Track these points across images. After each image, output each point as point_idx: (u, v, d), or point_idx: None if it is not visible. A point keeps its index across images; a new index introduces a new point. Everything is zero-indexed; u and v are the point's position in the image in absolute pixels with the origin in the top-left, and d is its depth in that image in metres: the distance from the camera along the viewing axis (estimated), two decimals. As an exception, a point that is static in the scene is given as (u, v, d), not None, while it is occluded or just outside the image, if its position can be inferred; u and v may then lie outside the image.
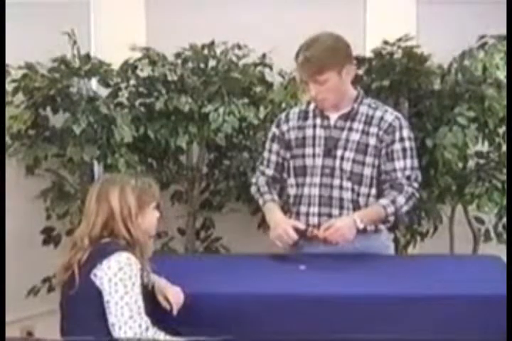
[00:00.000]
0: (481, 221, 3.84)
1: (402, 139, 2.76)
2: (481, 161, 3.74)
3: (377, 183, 2.78)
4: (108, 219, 2.27)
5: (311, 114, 2.84)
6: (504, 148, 3.67)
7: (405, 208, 2.78)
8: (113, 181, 2.34)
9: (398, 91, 3.59)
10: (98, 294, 2.18)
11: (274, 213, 2.81)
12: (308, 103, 2.87)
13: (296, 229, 2.72)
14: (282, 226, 2.71)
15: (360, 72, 3.66)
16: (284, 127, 2.87)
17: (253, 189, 2.94)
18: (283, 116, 2.91)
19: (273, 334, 2.31)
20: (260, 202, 2.90)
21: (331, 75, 2.67)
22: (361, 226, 2.68)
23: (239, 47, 3.60)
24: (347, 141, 2.77)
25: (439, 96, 3.61)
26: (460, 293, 2.36)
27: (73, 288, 2.19)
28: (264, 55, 3.68)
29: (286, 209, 2.86)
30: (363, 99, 2.82)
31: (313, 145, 2.80)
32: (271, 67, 3.68)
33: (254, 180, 2.96)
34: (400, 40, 3.64)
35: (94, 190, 2.32)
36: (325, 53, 2.66)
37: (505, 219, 3.69)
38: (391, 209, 2.73)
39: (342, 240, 2.66)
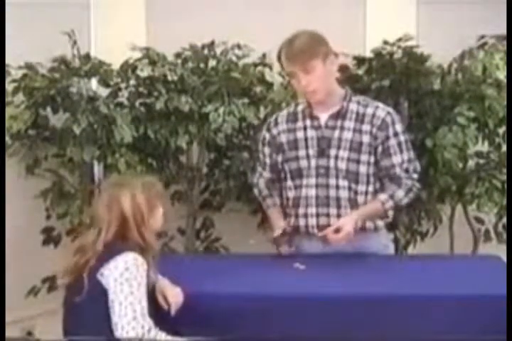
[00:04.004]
0: (481, 221, 3.84)
1: (396, 134, 2.77)
2: (481, 161, 3.74)
3: (374, 180, 2.79)
4: (121, 226, 2.27)
5: (300, 116, 2.84)
6: (504, 148, 3.67)
7: (405, 200, 2.80)
8: (121, 186, 2.33)
9: (398, 92, 3.59)
10: (104, 293, 2.19)
11: (275, 220, 2.86)
12: (297, 105, 2.88)
13: (296, 228, 2.77)
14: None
15: (360, 72, 3.67)
16: (274, 131, 2.87)
17: (255, 191, 2.98)
18: (272, 119, 2.92)
19: (273, 334, 2.31)
20: (263, 205, 2.96)
21: (317, 63, 2.69)
22: (359, 226, 2.70)
23: (239, 47, 3.60)
24: (340, 139, 2.76)
25: (439, 96, 3.61)
26: (460, 293, 2.36)
27: (81, 290, 2.19)
28: (264, 55, 3.67)
29: (286, 210, 2.89)
30: (352, 96, 2.82)
31: (306, 147, 2.80)
32: (271, 67, 3.67)
33: (255, 181, 2.98)
34: (400, 40, 3.64)
35: (102, 196, 2.32)
36: (308, 43, 2.71)
37: (505, 219, 3.69)
38: (389, 204, 2.76)
39: (345, 242, 2.67)
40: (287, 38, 2.75)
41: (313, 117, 2.80)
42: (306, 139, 2.80)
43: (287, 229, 2.77)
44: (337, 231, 2.64)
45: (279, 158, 2.86)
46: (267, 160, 2.91)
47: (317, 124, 2.80)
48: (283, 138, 2.84)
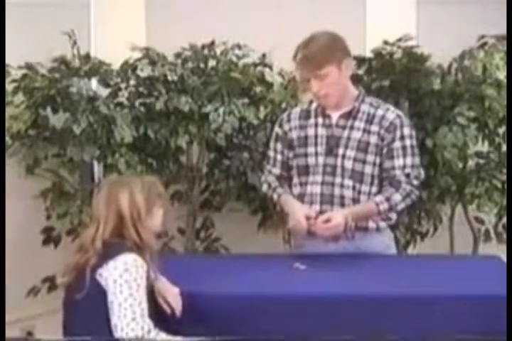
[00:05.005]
0: (481, 221, 3.84)
1: (402, 137, 2.77)
2: (481, 161, 3.74)
3: (379, 181, 2.79)
4: (118, 224, 2.27)
5: (312, 113, 2.85)
6: (504, 148, 3.67)
7: (402, 205, 2.78)
8: (120, 184, 2.34)
9: (398, 92, 3.59)
10: (103, 294, 2.19)
11: (290, 204, 2.81)
12: (311, 102, 2.88)
13: (309, 218, 2.70)
14: (296, 217, 2.70)
15: (360, 72, 3.67)
16: (286, 127, 2.88)
17: (264, 187, 2.95)
18: (285, 115, 2.93)
19: (273, 334, 2.31)
20: (275, 196, 2.90)
21: (331, 69, 2.69)
22: (350, 223, 2.68)
23: (239, 47, 3.60)
24: (348, 139, 2.77)
25: (439, 96, 3.61)
26: (460, 293, 2.36)
27: (81, 288, 2.19)
28: (264, 55, 3.67)
29: None
30: (365, 97, 2.83)
31: (315, 144, 2.81)
32: (271, 67, 3.68)
33: (263, 179, 2.97)
34: (400, 40, 3.64)
35: (101, 194, 2.32)
36: (323, 49, 2.70)
37: (505, 219, 3.69)
38: (384, 206, 2.74)
39: (333, 234, 2.67)
40: (304, 39, 2.73)
41: (325, 115, 2.82)
42: (316, 137, 2.82)
43: (312, 213, 2.70)
44: (327, 221, 2.65)
45: (291, 154, 2.87)
46: (278, 157, 2.91)
47: (328, 123, 2.81)
48: (294, 135, 2.86)
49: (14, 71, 3.39)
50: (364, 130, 2.77)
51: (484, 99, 3.54)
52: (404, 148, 2.77)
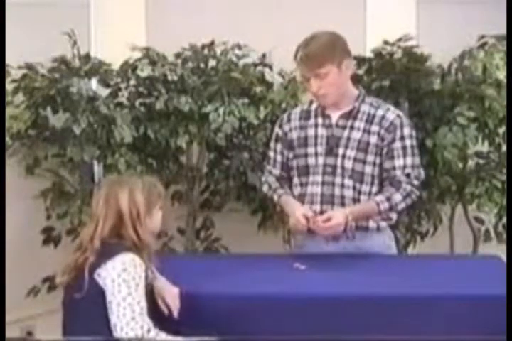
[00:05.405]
0: (481, 221, 3.84)
1: (402, 137, 2.77)
2: (481, 161, 3.74)
3: (379, 181, 2.79)
4: (117, 223, 2.27)
5: (312, 114, 2.85)
6: (504, 148, 3.68)
7: (402, 205, 2.78)
8: (120, 183, 2.34)
9: (398, 92, 3.59)
10: (101, 294, 2.19)
11: (291, 204, 2.81)
12: (311, 102, 2.88)
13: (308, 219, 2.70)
14: (295, 217, 2.70)
15: (360, 72, 3.67)
16: (286, 127, 2.88)
17: (265, 187, 2.95)
18: (285, 116, 2.93)
19: (273, 334, 2.31)
20: (275, 197, 2.90)
21: (331, 69, 2.69)
22: (351, 222, 2.69)
23: (239, 47, 3.60)
24: (348, 139, 2.77)
25: (439, 96, 3.61)
26: (460, 293, 2.36)
27: (79, 288, 2.19)
28: (264, 55, 3.68)
29: None
30: (365, 97, 2.83)
31: (315, 145, 2.81)
32: (271, 67, 3.68)
33: (263, 179, 2.97)
34: (400, 40, 3.65)
35: (101, 192, 2.32)
36: (323, 48, 2.70)
37: (505, 219, 3.69)
38: (385, 205, 2.74)
39: (333, 233, 2.67)
40: (305, 38, 2.74)
41: (325, 115, 2.82)
42: (316, 137, 2.82)
43: (309, 213, 2.69)
44: (327, 221, 2.65)
45: (290, 155, 2.87)
46: (278, 157, 2.91)
47: (328, 123, 2.81)
48: (294, 135, 2.86)
49: (14, 71, 3.40)
50: (364, 130, 2.77)
51: (484, 99, 3.55)
52: (404, 148, 2.77)
